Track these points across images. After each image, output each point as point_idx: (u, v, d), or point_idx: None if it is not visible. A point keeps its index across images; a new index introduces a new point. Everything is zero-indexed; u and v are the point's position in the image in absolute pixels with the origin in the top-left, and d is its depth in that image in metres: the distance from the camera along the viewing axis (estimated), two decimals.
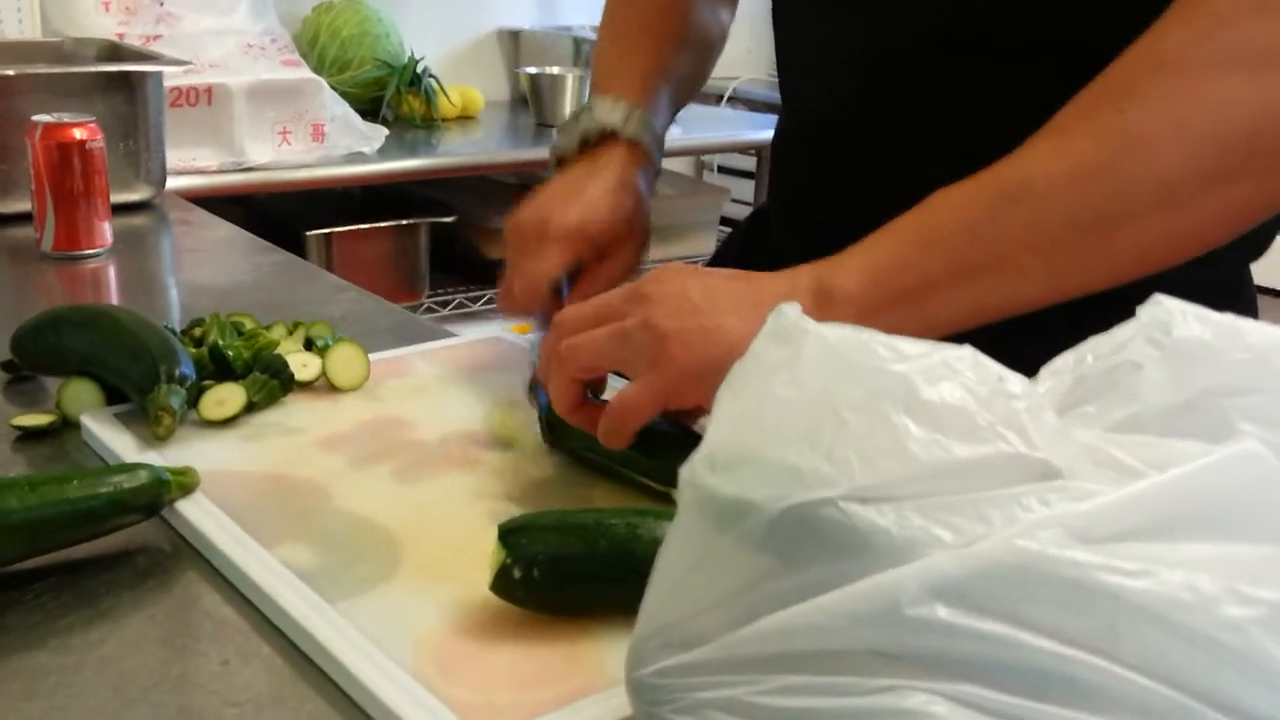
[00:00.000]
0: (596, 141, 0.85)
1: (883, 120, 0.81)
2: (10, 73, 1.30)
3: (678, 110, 0.94)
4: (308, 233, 2.01)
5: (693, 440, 0.67)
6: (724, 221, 2.69)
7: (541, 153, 2.25)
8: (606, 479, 0.71)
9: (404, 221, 2.12)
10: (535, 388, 0.74)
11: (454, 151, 2.17)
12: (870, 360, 0.41)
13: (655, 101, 0.88)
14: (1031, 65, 0.74)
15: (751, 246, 1.03)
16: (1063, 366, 0.47)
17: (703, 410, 0.70)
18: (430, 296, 2.20)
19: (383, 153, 2.03)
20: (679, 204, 2.51)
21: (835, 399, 0.40)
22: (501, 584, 0.54)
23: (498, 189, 2.51)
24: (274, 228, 1.66)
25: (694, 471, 0.41)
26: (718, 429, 0.42)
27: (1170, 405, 0.43)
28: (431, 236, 2.16)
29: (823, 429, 0.39)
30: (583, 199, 0.81)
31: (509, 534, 0.54)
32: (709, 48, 0.97)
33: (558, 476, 0.72)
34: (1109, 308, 0.59)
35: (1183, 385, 0.43)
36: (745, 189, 2.79)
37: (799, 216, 0.91)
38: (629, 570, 0.54)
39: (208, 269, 1.25)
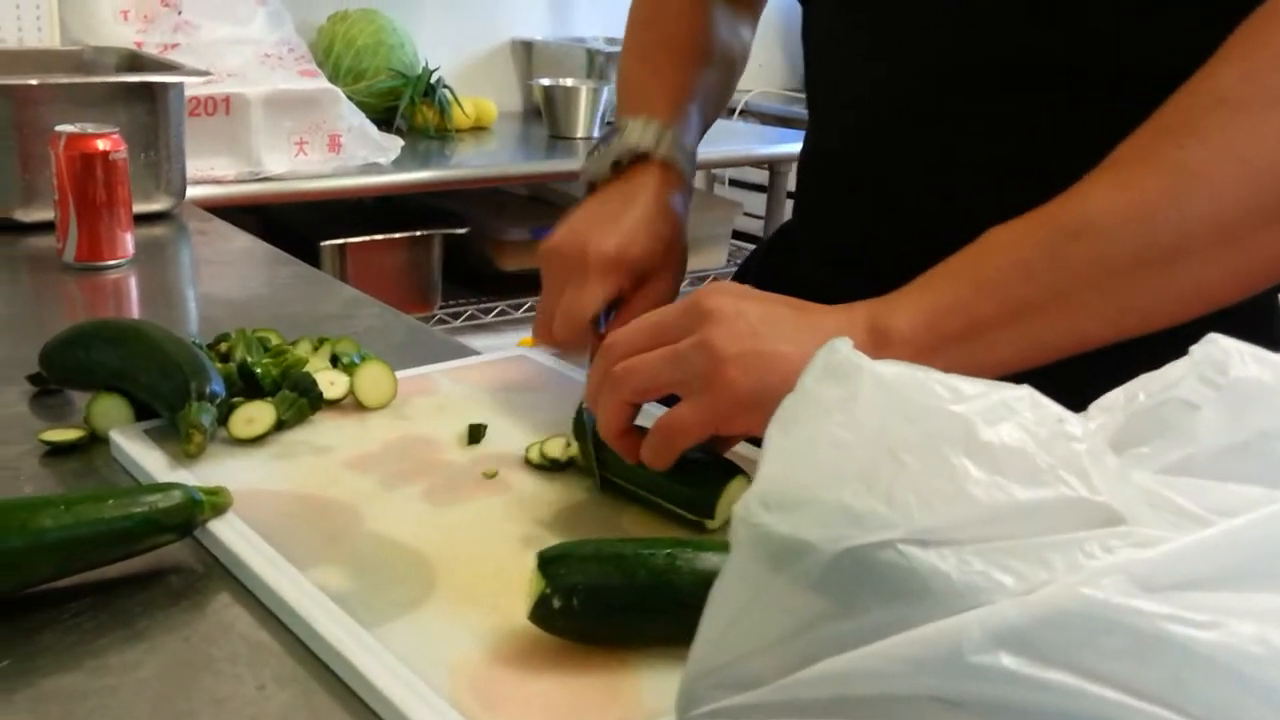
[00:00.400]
0: (629, 164, 0.85)
1: (911, 147, 0.81)
2: (33, 82, 1.30)
3: (706, 128, 0.94)
4: (322, 243, 2.01)
5: (727, 470, 0.68)
6: (736, 235, 2.69)
7: (554, 165, 2.26)
8: (635, 504, 0.71)
9: (418, 233, 2.11)
10: (583, 412, 0.73)
11: (467, 163, 2.17)
12: (928, 400, 0.40)
13: (685, 120, 0.88)
14: (1063, 96, 0.74)
15: (774, 265, 1.03)
16: (1113, 403, 0.47)
17: (739, 439, 0.70)
18: (442, 308, 2.20)
19: (396, 163, 2.03)
20: (691, 217, 2.51)
21: (892, 439, 0.40)
22: (540, 613, 0.54)
23: (510, 200, 2.51)
24: (288, 237, 1.66)
25: (748, 509, 0.41)
26: (770, 466, 0.42)
27: (1225, 447, 0.43)
28: (444, 248, 2.16)
29: (880, 469, 0.39)
30: (620, 226, 0.80)
31: (548, 563, 0.54)
32: (732, 65, 0.98)
33: (587, 501, 0.71)
34: (1154, 340, 0.59)
35: (1239, 427, 0.43)
36: (757, 203, 2.79)
37: (823, 238, 0.91)
38: (668, 602, 0.54)
39: (228, 281, 1.25)
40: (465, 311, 2.23)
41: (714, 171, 3.03)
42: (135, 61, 1.57)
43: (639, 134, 0.85)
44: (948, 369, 0.48)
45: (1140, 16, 0.70)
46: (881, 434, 0.40)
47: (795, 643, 0.39)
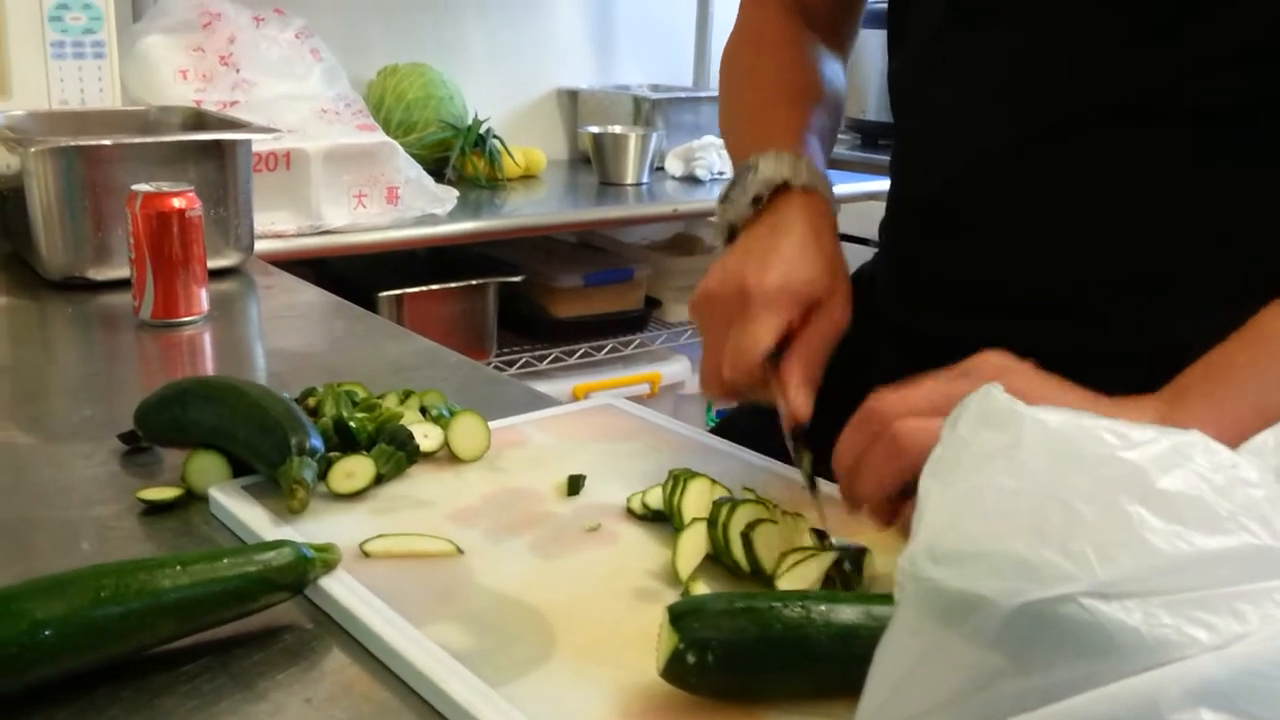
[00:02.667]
0: (769, 198, 0.81)
1: (1008, 199, 0.80)
2: (107, 142, 1.32)
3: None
4: (379, 294, 2.02)
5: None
6: None
7: (605, 212, 2.26)
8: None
9: (474, 282, 2.12)
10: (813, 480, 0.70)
11: (519, 211, 2.18)
12: (1097, 447, 0.40)
13: (813, 152, 0.85)
14: (1175, 132, 0.73)
15: (854, 309, 1.02)
16: (1263, 446, 0.46)
17: None
18: (497, 355, 2.20)
19: (450, 214, 2.03)
20: None
21: (1063, 488, 0.39)
22: (673, 669, 0.53)
23: (559, 247, 2.52)
24: (344, 289, 1.66)
25: (915, 563, 0.40)
26: (933, 517, 0.41)
27: None
28: (498, 296, 2.17)
29: (1052, 519, 0.38)
30: (778, 257, 0.76)
31: (680, 617, 0.53)
32: (838, 108, 0.96)
33: None
34: None
35: None
36: None
37: (912, 285, 0.90)
38: (803, 656, 0.53)
39: (302, 334, 1.25)
40: (520, 359, 2.23)
41: None
42: (200, 120, 1.59)
43: (774, 166, 0.81)
44: None
45: (1250, 57, 0.70)
46: (1050, 482, 0.39)
47: (971, 702, 0.38)
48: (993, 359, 0.62)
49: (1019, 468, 0.40)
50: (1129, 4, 0.72)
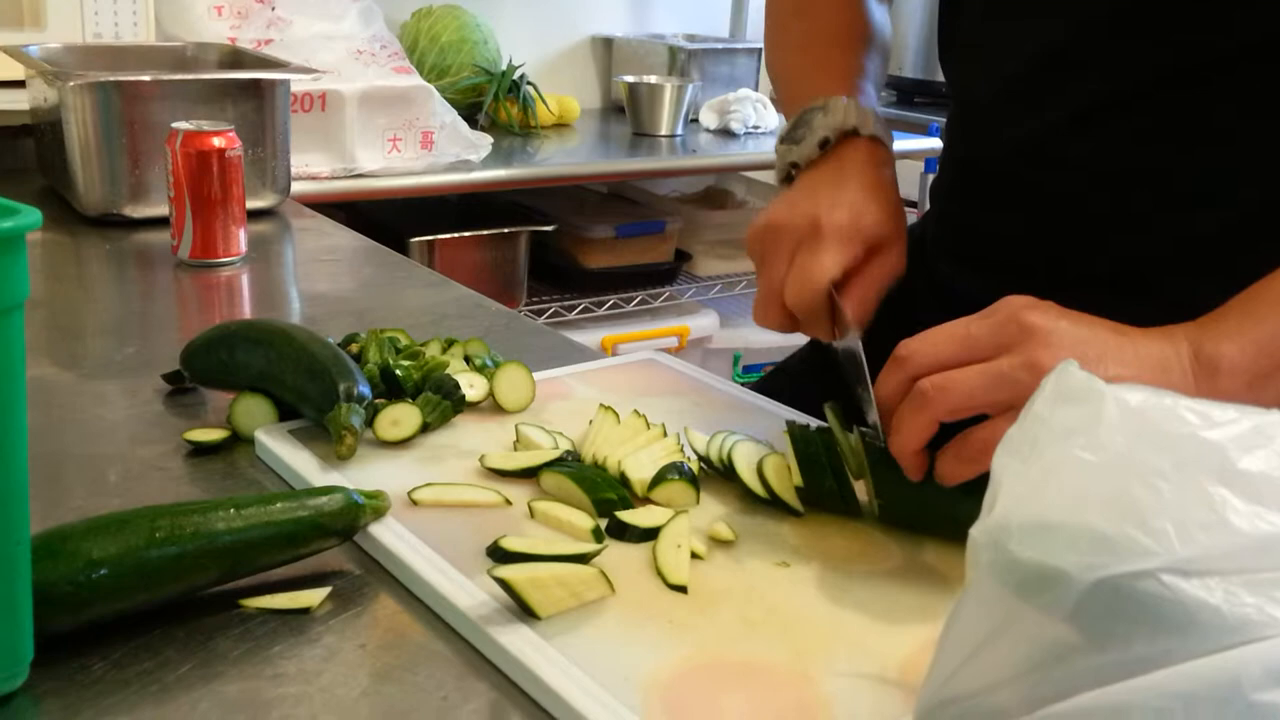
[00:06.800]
0: (836, 142, 0.81)
1: (1072, 167, 0.79)
2: (147, 78, 1.31)
3: None
4: (411, 239, 2.01)
5: None
6: None
7: (639, 163, 2.24)
8: (804, 518, 0.70)
9: (505, 230, 2.11)
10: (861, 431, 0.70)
11: (550, 160, 2.16)
12: (1179, 427, 0.39)
13: (871, 100, 0.85)
14: (1233, 104, 0.72)
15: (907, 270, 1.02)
16: None
17: None
18: (526, 305, 2.20)
19: (483, 161, 2.02)
20: None
21: (1143, 465, 0.39)
22: None
23: (591, 197, 2.51)
24: (376, 233, 1.66)
25: (991, 535, 0.40)
26: (1010, 492, 0.40)
27: None
28: (529, 244, 2.16)
29: (1131, 496, 0.38)
30: (846, 198, 0.76)
31: None
32: (885, 50, 0.95)
33: (745, 504, 0.70)
34: None
35: None
36: None
37: (967, 249, 0.90)
38: None
39: (338, 278, 1.25)
40: (549, 309, 2.23)
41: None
42: (237, 58, 1.57)
43: (843, 112, 0.81)
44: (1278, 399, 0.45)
45: None
46: (1129, 460, 0.39)
47: (1046, 675, 0.38)
48: (1016, 299, 0.63)
49: (1098, 443, 0.40)
50: None
